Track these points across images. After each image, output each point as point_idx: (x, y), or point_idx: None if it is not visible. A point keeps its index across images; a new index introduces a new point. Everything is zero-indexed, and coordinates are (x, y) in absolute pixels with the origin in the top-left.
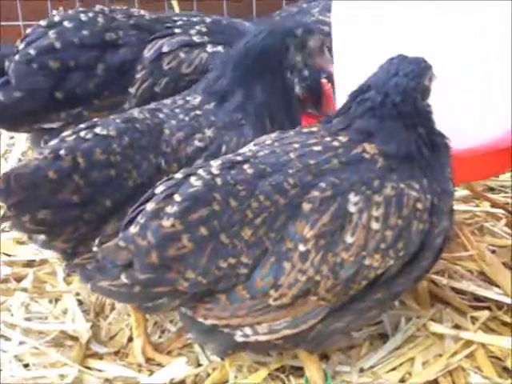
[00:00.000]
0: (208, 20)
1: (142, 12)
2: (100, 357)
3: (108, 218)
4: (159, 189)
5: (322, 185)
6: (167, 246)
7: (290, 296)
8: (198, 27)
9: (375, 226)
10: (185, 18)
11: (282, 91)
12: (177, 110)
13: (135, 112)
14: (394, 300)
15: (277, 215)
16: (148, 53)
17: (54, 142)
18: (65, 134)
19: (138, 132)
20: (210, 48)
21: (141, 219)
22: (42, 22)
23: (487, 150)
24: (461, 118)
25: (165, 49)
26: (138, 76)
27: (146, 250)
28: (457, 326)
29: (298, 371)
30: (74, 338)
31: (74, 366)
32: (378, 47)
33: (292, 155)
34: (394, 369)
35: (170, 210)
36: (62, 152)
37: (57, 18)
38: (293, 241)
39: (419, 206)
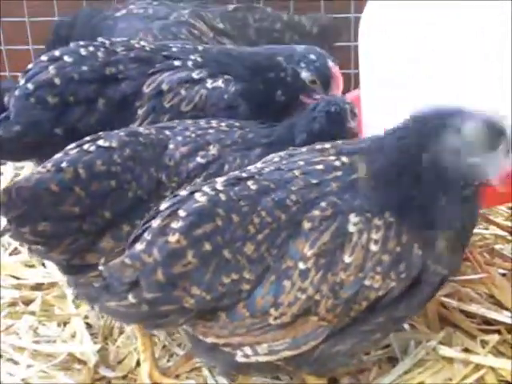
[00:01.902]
0: (200, 48)
1: (143, 42)
2: (108, 380)
3: (105, 231)
4: (164, 205)
5: (323, 204)
6: (173, 263)
7: (289, 315)
8: (192, 56)
9: (374, 247)
10: (179, 45)
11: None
12: (191, 128)
13: (141, 128)
14: (397, 325)
15: (278, 232)
16: (147, 89)
17: (57, 156)
18: (69, 147)
19: (140, 145)
20: (209, 84)
21: (147, 236)
22: (43, 57)
23: None
24: None
25: (164, 86)
26: (140, 113)
27: (152, 268)
28: (466, 350)
29: None
30: (82, 362)
31: None
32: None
33: (296, 172)
34: None
35: (175, 225)
36: (63, 165)
37: (57, 53)
38: (293, 259)
39: (418, 230)
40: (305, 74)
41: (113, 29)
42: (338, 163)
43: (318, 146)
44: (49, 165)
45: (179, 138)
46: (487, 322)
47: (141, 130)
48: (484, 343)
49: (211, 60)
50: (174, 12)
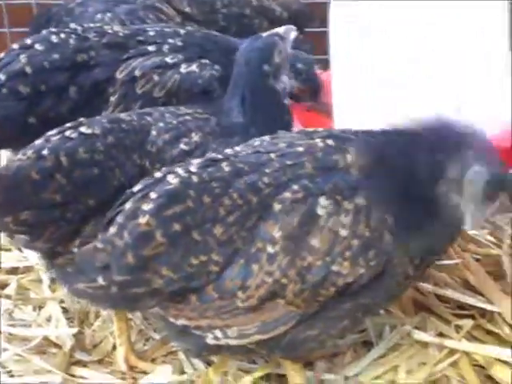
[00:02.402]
0: (182, 32)
1: (116, 28)
2: (84, 364)
3: (90, 218)
4: (137, 187)
5: (295, 186)
6: (143, 245)
7: (256, 298)
8: (171, 40)
9: (342, 232)
10: (157, 29)
11: (272, 101)
12: (167, 115)
13: (123, 114)
14: (366, 315)
15: (249, 215)
16: (120, 75)
17: (38, 142)
18: (50, 133)
19: (123, 132)
20: (183, 68)
21: (119, 219)
22: (15, 45)
23: None
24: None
25: (137, 72)
26: (112, 100)
27: (122, 251)
28: (441, 335)
29: (283, 379)
30: (58, 346)
31: (58, 373)
32: (374, 46)
33: (273, 155)
34: (378, 377)
35: (145, 207)
36: (44, 152)
37: (29, 41)
38: (262, 241)
39: (390, 220)
40: (294, 84)
41: (73, 15)
42: (321, 144)
43: (310, 130)
44: (29, 152)
45: (161, 125)
46: (462, 307)
47: (123, 116)
48: (458, 328)
49: (192, 44)
50: None
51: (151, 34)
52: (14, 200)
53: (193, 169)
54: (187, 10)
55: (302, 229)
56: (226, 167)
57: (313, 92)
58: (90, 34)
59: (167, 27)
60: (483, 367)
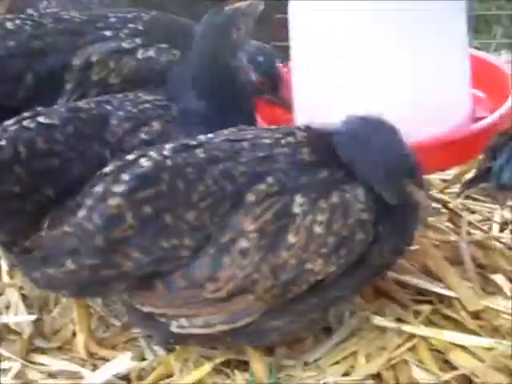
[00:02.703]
0: (146, 17)
1: (73, 13)
2: (43, 351)
3: (50, 209)
4: (108, 169)
5: (270, 179)
6: (113, 228)
7: (225, 291)
8: (132, 25)
9: (318, 230)
10: (119, 15)
11: (235, 91)
12: (126, 103)
13: (81, 102)
14: (334, 305)
15: (222, 201)
16: (76, 61)
17: None
18: (7, 123)
19: (82, 121)
20: (140, 54)
21: (88, 202)
22: None
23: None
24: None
25: (94, 58)
26: (67, 87)
27: (92, 234)
28: (400, 320)
29: (244, 366)
30: (17, 333)
31: (17, 360)
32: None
33: (245, 144)
34: (337, 362)
35: (117, 189)
36: (2, 143)
37: None
38: (235, 232)
39: (364, 216)
40: (254, 76)
41: None
42: (290, 139)
43: (275, 127)
44: None
45: (121, 113)
46: (420, 292)
47: (81, 105)
48: (417, 313)
49: (155, 28)
50: None
51: (112, 20)
52: None
53: (166, 153)
54: None
55: (277, 225)
56: (200, 153)
57: (273, 85)
58: (47, 19)
59: (130, 12)
60: (441, 352)
